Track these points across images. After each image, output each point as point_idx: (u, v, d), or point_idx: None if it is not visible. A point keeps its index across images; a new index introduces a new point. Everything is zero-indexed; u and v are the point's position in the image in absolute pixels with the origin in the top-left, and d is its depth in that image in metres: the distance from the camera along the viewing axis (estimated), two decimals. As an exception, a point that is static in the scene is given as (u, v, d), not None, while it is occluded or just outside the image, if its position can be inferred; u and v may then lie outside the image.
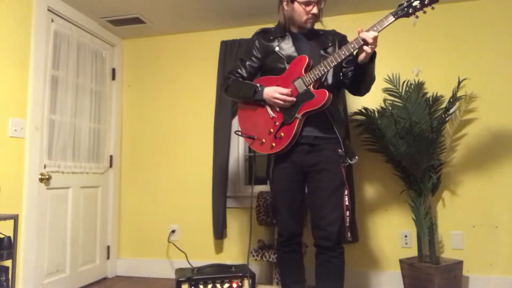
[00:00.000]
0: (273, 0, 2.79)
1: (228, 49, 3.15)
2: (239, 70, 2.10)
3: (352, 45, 1.79)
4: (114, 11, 2.98)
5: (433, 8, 1.71)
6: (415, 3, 1.71)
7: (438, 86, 2.82)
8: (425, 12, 1.73)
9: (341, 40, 2.06)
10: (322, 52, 1.99)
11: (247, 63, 2.10)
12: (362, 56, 1.80)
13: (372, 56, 1.81)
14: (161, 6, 2.91)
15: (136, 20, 3.13)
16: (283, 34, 2.04)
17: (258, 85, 1.99)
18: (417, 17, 1.74)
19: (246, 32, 3.17)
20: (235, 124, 3.17)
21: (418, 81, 2.81)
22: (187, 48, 3.40)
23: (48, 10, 2.67)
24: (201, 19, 3.15)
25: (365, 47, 1.75)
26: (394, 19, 1.74)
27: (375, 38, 1.72)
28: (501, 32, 2.78)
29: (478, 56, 2.81)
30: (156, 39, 3.47)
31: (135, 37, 3.51)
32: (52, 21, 2.74)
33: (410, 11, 1.72)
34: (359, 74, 1.91)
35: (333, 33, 2.10)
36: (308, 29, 2.04)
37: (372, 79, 1.95)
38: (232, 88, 2.08)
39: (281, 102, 1.89)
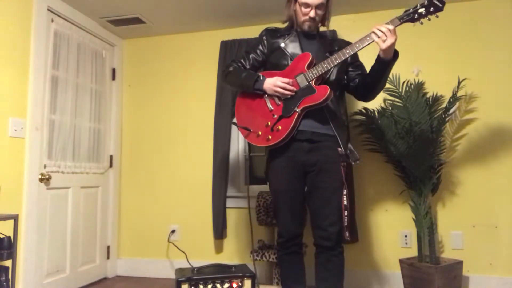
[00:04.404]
0: (273, 0, 2.80)
1: (228, 49, 3.15)
2: (242, 61, 2.12)
3: (357, 45, 1.83)
4: (114, 11, 2.98)
5: (437, 17, 1.78)
6: (421, 10, 1.78)
7: (438, 86, 2.82)
8: (429, 19, 1.79)
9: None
10: (327, 54, 1.99)
11: (252, 55, 2.11)
12: (381, 53, 1.83)
13: (395, 54, 1.85)
14: (161, 6, 2.91)
15: (136, 20, 3.13)
16: (290, 32, 2.07)
17: (260, 75, 2.01)
18: (421, 23, 1.80)
19: (246, 32, 3.17)
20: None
21: (418, 81, 2.81)
22: (187, 48, 3.40)
23: (48, 10, 2.67)
24: (201, 19, 3.15)
25: (378, 41, 1.78)
26: (400, 23, 1.80)
27: (388, 31, 1.75)
28: (501, 32, 2.78)
29: (478, 56, 2.81)
30: (156, 39, 3.47)
31: (135, 37, 3.51)
32: (52, 21, 2.74)
33: (416, 17, 1.79)
34: (375, 73, 1.92)
35: (341, 40, 2.14)
36: (316, 31, 2.07)
37: (384, 83, 1.98)
38: (232, 75, 2.09)
39: (282, 90, 1.90)
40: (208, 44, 3.33)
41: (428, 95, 2.75)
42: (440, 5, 1.75)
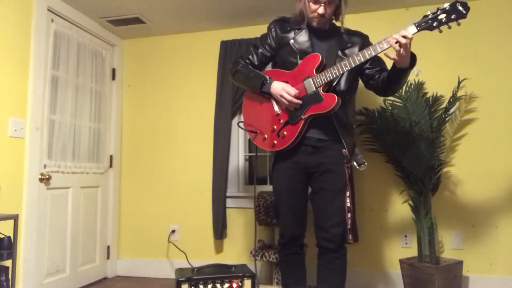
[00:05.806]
0: (273, 0, 2.80)
1: (228, 49, 3.15)
2: (250, 57, 2.06)
3: (369, 52, 1.74)
4: (114, 11, 2.97)
5: (459, 24, 1.60)
6: (441, 16, 1.60)
7: (438, 86, 2.82)
8: (450, 27, 1.62)
9: (363, 42, 1.98)
10: (339, 52, 1.93)
11: (260, 51, 2.05)
12: (396, 62, 1.76)
13: (412, 61, 1.76)
14: (161, 6, 2.91)
15: (136, 20, 3.13)
16: (300, 27, 1.96)
17: (267, 77, 1.94)
18: (440, 31, 1.62)
19: (246, 32, 3.17)
20: (235, 124, 3.17)
21: (418, 81, 2.81)
22: (187, 48, 3.39)
23: (48, 10, 2.67)
24: (201, 19, 3.15)
25: (394, 58, 1.72)
26: (416, 30, 1.65)
27: (405, 44, 1.65)
28: (501, 32, 2.78)
29: (478, 56, 2.80)
30: (156, 39, 3.47)
31: (135, 37, 3.51)
32: (52, 21, 2.73)
33: (435, 25, 1.62)
34: (393, 79, 1.86)
35: (356, 33, 2.03)
36: (328, 27, 1.97)
37: (404, 83, 1.92)
38: (240, 74, 2.03)
39: (287, 103, 1.86)
40: (208, 44, 3.33)
41: (428, 95, 2.75)
42: (464, 12, 1.57)
